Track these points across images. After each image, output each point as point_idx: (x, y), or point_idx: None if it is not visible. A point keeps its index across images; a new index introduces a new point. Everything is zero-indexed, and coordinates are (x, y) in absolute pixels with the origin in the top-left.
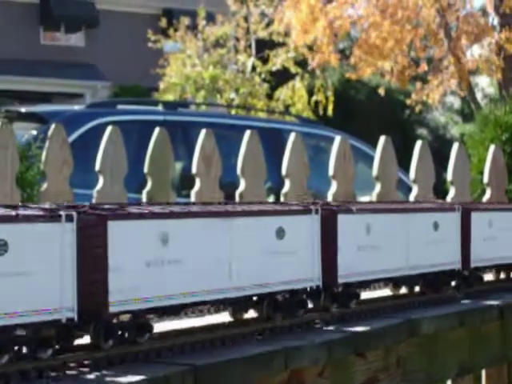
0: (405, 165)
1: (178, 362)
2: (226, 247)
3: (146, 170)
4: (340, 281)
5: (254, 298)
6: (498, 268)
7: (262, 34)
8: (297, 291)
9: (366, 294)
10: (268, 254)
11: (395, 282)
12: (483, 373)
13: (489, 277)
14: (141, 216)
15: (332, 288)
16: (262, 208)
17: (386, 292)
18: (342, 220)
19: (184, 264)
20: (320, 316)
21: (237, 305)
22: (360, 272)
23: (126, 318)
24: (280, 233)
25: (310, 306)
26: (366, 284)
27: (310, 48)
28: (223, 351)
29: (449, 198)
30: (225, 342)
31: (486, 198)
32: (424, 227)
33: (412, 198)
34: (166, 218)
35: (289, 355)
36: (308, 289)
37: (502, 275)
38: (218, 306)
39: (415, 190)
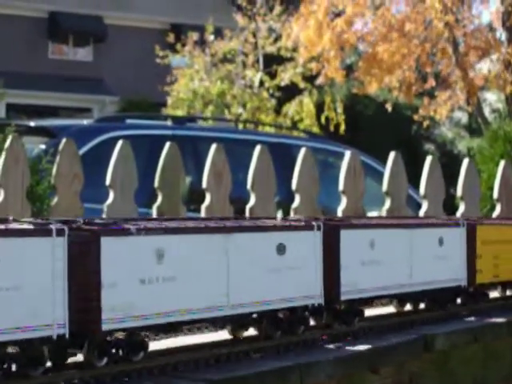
0: (412, 180)
1: (194, 377)
2: None
3: (156, 184)
4: (106, 327)
5: None
6: (401, 299)
7: (270, 49)
8: (30, 342)
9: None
10: None
11: (214, 325)
12: None
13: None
14: None
15: (93, 335)
16: None
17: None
18: (110, 245)
19: None
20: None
21: None
22: (144, 315)
23: None
24: None
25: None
26: (152, 329)
27: (317, 60)
28: (239, 366)
29: (459, 214)
30: (240, 357)
31: (495, 213)
32: (262, 251)
33: (422, 213)
34: None
35: (304, 371)
36: (54, 337)
37: (410, 307)
38: None
39: (425, 205)
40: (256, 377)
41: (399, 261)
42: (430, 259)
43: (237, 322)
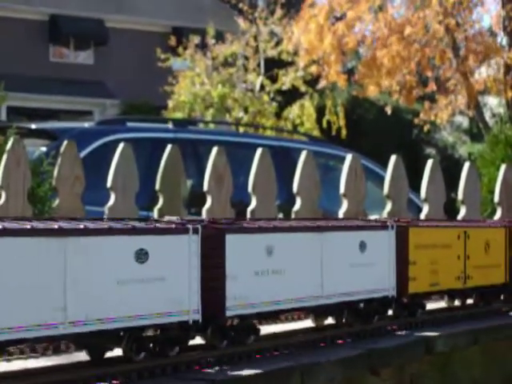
0: (412, 184)
1: (197, 377)
2: None
3: (157, 187)
4: None
5: None
6: (314, 313)
7: (271, 52)
8: None
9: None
10: None
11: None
12: None
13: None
14: None
15: None
16: None
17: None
18: None
19: None
20: None
21: None
22: None
23: None
24: None
25: None
26: None
27: (318, 64)
28: (240, 366)
29: (459, 217)
30: (242, 357)
31: (496, 217)
32: (116, 259)
33: (423, 216)
34: None
35: (305, 372)
36: None
37: (332, 320)
38: None
39: (426, 209)
40: (257, 377)
41: (306, 270)
42: (347, 267)
43: (80, 341)
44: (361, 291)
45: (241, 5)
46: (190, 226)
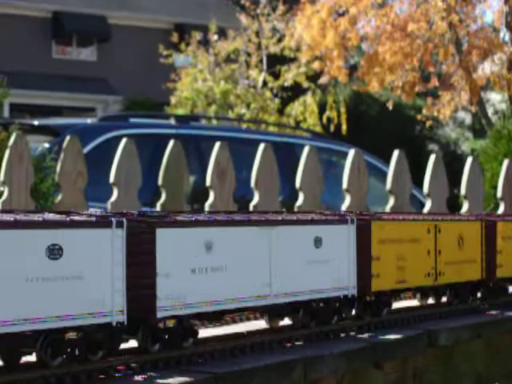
0: (415, 179)
1: (199, 370)
2: None
3: (160, 182)
4: None
5: None
6: (267, 314)
7: (274, 49)
8: None
9: None
10: None
11: None
12: None
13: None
14: None
15: None
16: None
17: None
18: None
19: None
20: None
21: None
22: None
23: None
24: None
25: None
26: None
27: (320, 59)
28: (244, 360)
29: (462, 213)
30: (245, 350)
31: (499, 212)
32: (27, 255)
33: (425, 211)
34: None
35: (308, 365)
36: None
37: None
38: None
39: (428, 204)
40: (260, 370)
41: (251, 267)
42: (300, 264)
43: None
44: (316, 290)
45: (243, 1)
46: (113, 220)
